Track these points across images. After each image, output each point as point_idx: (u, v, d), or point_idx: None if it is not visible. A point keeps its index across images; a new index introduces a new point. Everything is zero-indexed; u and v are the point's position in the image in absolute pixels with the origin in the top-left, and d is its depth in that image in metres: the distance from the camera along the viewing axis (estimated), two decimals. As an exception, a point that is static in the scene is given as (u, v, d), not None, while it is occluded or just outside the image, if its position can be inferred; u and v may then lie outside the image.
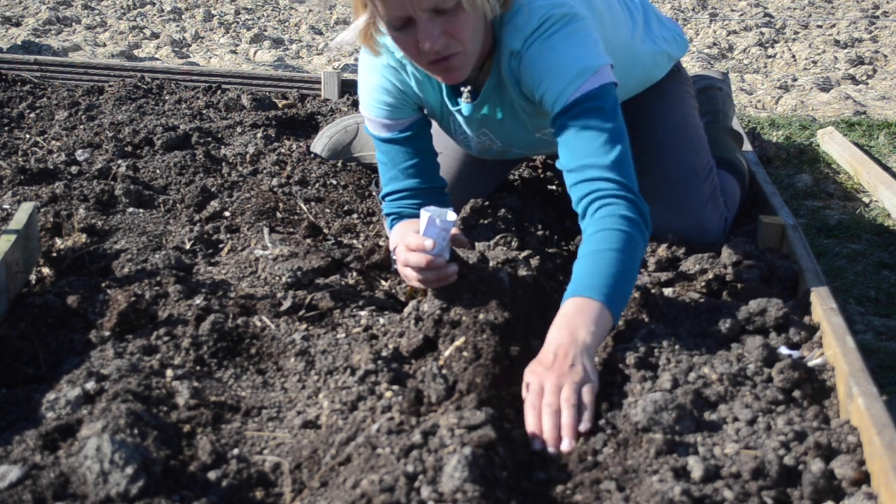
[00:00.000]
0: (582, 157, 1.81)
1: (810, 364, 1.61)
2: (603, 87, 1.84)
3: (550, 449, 1.42)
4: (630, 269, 1.70)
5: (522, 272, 1.94)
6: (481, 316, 1.69)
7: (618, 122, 1.84)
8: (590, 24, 1.92)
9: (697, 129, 2.41)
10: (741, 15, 8.11)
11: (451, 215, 1.75)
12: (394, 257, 1.96)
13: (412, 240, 1.76)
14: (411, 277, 1.79)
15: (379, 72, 2.08)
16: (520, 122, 2.12)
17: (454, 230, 1.79)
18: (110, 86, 4.00)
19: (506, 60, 1.94)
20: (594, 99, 1.83)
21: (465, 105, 2.08)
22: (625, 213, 1.74)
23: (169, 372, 1.57)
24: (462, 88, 2.07)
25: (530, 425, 1.46)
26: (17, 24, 6.92)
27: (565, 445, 1.42)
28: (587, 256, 1.71)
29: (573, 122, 1.83)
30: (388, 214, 2.16)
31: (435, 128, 2.30)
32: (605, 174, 1.78)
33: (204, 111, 3.67)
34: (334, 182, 2.78)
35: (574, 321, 1.59)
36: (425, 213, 1.74)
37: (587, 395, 1.48)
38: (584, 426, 1.44)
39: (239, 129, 3.35)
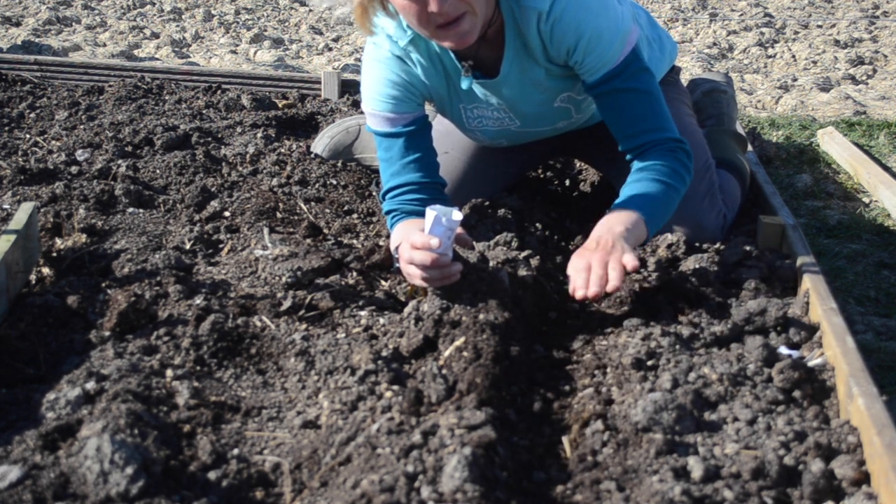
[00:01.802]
0: (636, 123, 2.01)
1: (810, 364, 1.61)
2: (636, 49, 2.02)
3: (591, 290, 1.66)
4: (671, 197, 1.94)
5: (522, 272, 1.94)
6: (481, 316, 1.69)
7: (655, 81, 2.04)
8: None
9: (693, 131, 2.41)
10: (741, 15, 8.11)
11: (457, 214, 1.76)
12: (395, 255, 1.96)
13: (417, 238, 1.76)
14: (415, 276, 1.79)
15: (384, 65, 2.08)
16: (540, 89, 2.14)
17: (458, 230, 1.80)
18: (110, 86, 4.00)
19: (532, 23, 1.97)
20: (632, 62, 2.00)
21: (465, 80, 2.09)
22: (676, 157, 1.98)
23: (169, 372, 1.57)
24: (463, 63, 2.07)
25: (574, 284, 1.70)
26: (17, 24, 6.92)
27: (612, 285, 1.67)
28: (634, 182, 1.93)
29: (621, 86, 2.00)
30: (388, 212, 2.15)
31: (438, 129, 2.30)
32: (661, 135, 2.00)
33: (204, 111, 3.67)
34: (334, 182, 2.78)
35: (612, 222, 1.83)
36: (431, 211, 1.75)
37: (630, 260, 1.71)
38: (631, 265, 1.68)
39: (239, 129, 3.35)
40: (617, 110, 2.04)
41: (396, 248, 1.94)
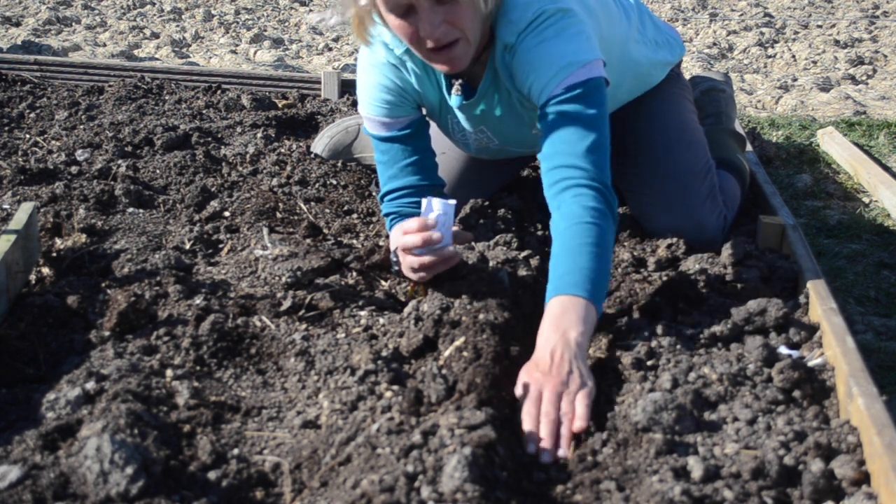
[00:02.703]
0: (555, 144, 1.84)
1: (810, 364, 1.61)
2: (590, 81, 1.86)
3: (546, 457, 1.42)
4: (606, 261, 1.73)
5: (522, 272, 1.94)
6: (481, 316, 1.69)
7: (599, 114, 1.86)
8: (584, 20, 1.94)
9: (695, 130, 2.41)
10: (741, 15, 8.11)
11: (452, 200, 1.78)
12: (394, 258, 1.95)
13: (412, 223, 1.77)
14: (413, 263, 1.79)
15: (379, 70, 2.08)
16: (516, 117, 2.13)
17: (456, 228, 1.80)
18: (110, 86, 4.00)
19: (500, 54, 1.96)
20: (577, 90, 1.85)
21: (455, 98, 2.09)
22: (594, 205, 1.76)
23: (169, 372, 1.57)
24: (454, 81, 2.07)
25: (528, 429, 1.47)
26: (17, 24, 6.92)
27: (563, 453, 1.43)
28: (564, 252, 1.72)
29: (554, 112, 1.86)
30: (387, 214, 2.16)
31: (436, 129, 2.30)
32: (577, 162, 1.81)
33: (204, 111, 3.67)
34: (334, 182, 2.78)
35: (563, 321, 1.61)
36: (425, 200, 1.76)
37: (583, 400, 1.49)
38: (577, 425, 1.45)
39: (239, 129, 3.35)
40: (543, 135, 1.89)
41: (395, 250, 1.94)
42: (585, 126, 1.83)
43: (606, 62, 1.94)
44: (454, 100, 2.10)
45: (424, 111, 2.21)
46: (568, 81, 1.85)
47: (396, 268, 1.93)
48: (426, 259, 1.78)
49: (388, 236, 2.37)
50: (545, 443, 1.44)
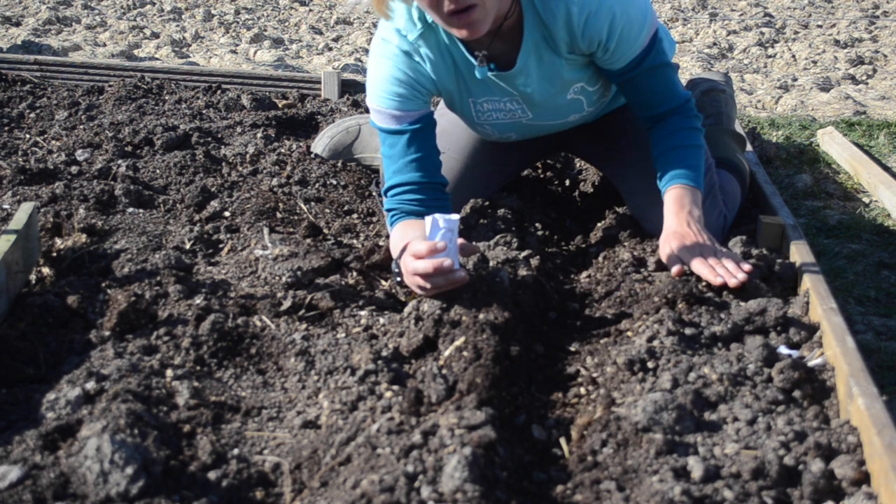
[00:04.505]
0: (656, 98, 2.16)
1: (810, 364, 1.61)
2: (657, 31, 2.12)
3: (732, 281, 1.85)
4: (701, 156, 2.16)
5: (522, 272, 1.94)
6: (481, 316, 1.69)
7: (666, 52, 2.18)
8: None
9: None
10: (741, 15, 8.11)
11: (455, 216, 1.76)
12: (395, 269, 1.92)
13: (420, 246, 1.75)
14: (421, 286, 1.78)
15: (391, 62, 2.08)
16: (557, 83, 2.17)
17: (460, 240, 1.80)
18: (110, 86, 4.00)
19: (560, 16, 2.01)
20: (655, 44, 2.11)
21: (479, 70, 2.10)
22: (690, 121, 2.17)
23: (169, 372, 1.57)
24: (478, 54, 2.08)
25: (708, 277, 1.88)
26: (17, 24, 6.92)
27: (742, 276, 1.86)
28: (671, 151, 2.13)
29: (646, 68, 2.12)
30: (389, 210, 2.14)
31: (441, 129, 2.30)
32: (675, 103, 2.18)
33: (204, 111, 3.67)
34: (334, 182, 2.78)
35: (684, 202, 2.05)
36: (429, 217, 1.75)
37: (730, 258, 1.94)
38: (746, 267, 1.89)
39: (239, 129, 3.35)
40: (639, 91, 2.17)
41: (398, 256, 1.92)
42: (673, 77, 2.17)
43: None
44: (479, 71, 2.11)
45: (443, 98, 2.21)
46: (648, 37, 2.08)
47: (398, 279, 1.91)
48: (433, 283, 1.77)
49: (388, 236, 2.37)
50: (726, 276, 1.86)
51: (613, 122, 2.46)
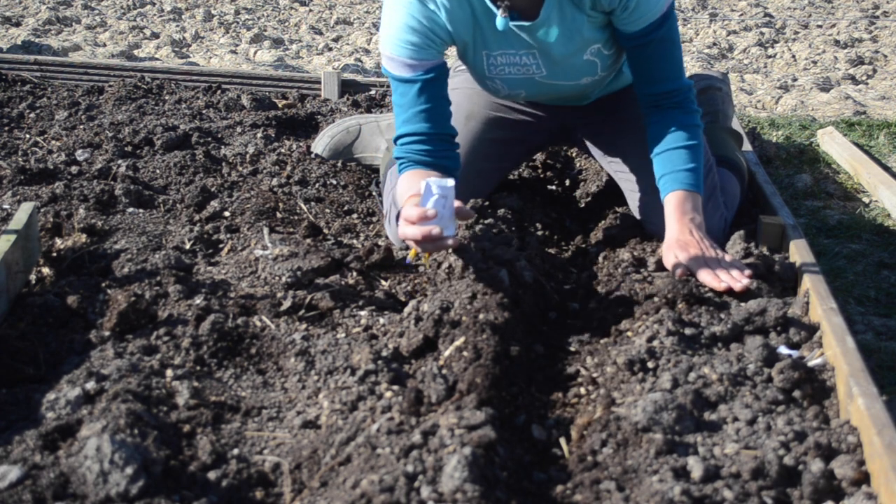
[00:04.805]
0: (659, 72, 2.16)
1: (810, 364, 1.61)
2: (673, 9, 2.15)
3: (737, 286, 1.87)
4: (701, 157, 2.16)
5: (522, 272, 1.94)
6: (481, 316, 1.69)
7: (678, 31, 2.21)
8: None
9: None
10: (741, 15, 8.11)
11: (450, 181, 1.78)
12: (391, 224, 1.96)
13: (411, 212, 1.79)
14: (414, 247, 1.86)
15: (406, 9, 2.08)
16: (577, 42, 2.17)
17: (457, 204, 1.81)
18: (110, 86, 4.00)
19: None
20: (671, 14, 2.12)
21: (501, 20, 2.10)
22: (689, 117, 2.17)
23: (169, 372, 1.57)
24: (499, 3, 2.08)
25: (712, 284, 1.89)
26: (17, 24, 6.92)
27: (746, 282, 1.88)
28: (671, 153, 2.12)
29: (657, 38, 2.12)
30: (398, 158, 2.16)
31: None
32: (676, 84, 2.17)
33: (204, 111, 3.67)
34: (334, 182, 2.78)
35: (686, 208, 2.06)
36: (423, 182, 1.78)
37: (732, 265, 1.96)
38: (748, 272, 1.92)
39: (239, 129, 3.35)
40: (647, 60, 2.16)
41: (396, 215, 1.96)
42: (675, 48, 2.16)
43: None
44: (500, 22, 2.10)
45: (458, 49, 2.21)
46: (667, 5, 2.09)
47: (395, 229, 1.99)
48: (422, 248, 1.83)
49: (387, 236, 2.37)
50: (730, 282, 1.88)
51: (616, 113, 2.44)
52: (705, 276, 1.91)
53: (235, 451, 1.40)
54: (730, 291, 1.89)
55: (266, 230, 2.23)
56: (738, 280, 1.88)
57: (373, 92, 4.07)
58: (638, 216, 2.38)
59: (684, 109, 2.17)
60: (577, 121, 2.52)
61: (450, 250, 1.93)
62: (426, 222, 1.76)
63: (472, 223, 2.30)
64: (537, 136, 2.54)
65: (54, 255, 2.10)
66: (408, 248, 2.21)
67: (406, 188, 2.06)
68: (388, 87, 4.06)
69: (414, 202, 1.86)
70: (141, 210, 2.50)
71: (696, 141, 2.14)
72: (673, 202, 2.07)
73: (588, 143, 2.58)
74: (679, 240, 2.00)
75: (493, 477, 1.25)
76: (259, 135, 3.23)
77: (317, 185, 2.75)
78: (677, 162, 2.10)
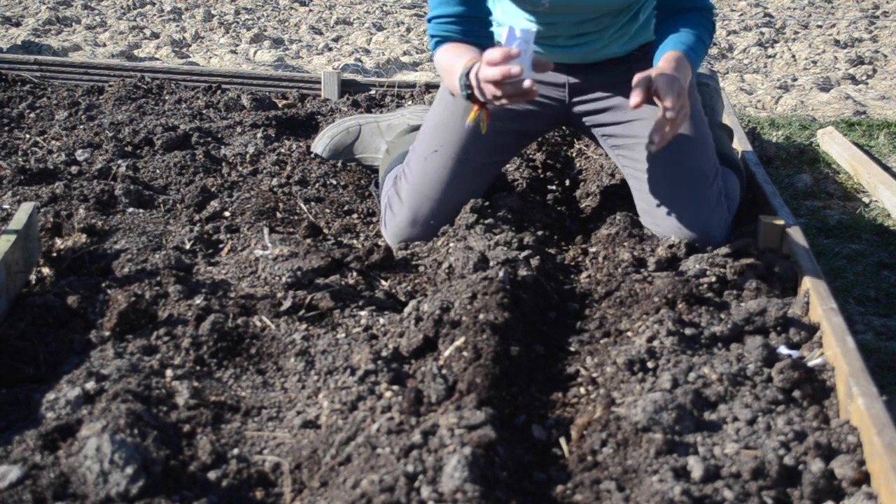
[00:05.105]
0: None
1: (810, 364, 1.61)
2: None
3: (653, 148, 1.97)
4: (705, 45, 2.21)
5: (522, 272, 1.94)
6: (481, 316, 1.69)
7: None
8: None
9: (705, 129, 2.33)
10: (741, 15, 8.11)
11: (533, 27, 1.82)
12: (464, 82, 1.98)
13: (494, 53, 1.81)
14: (490, 94, 1.85)
15: None
16: None
17: (534, 56, 1.85)
18: (110, 86, 4.00)
19: None
20: None
21: None
22: (707, 23, 2.23)
23: (169, 372, 1.57)
24: None
25: (655, 130, 1.97)
26: (17, 24, 6.92)
27: (657, 138, 1.98)
28: (676, 31, 2.18)
29: None
30: (432, 36, 2.20)
31: (429, 123, 2.27)
32: (700, 2, 2.24)
33: (204, 111, 3.67)
34: (334, 182, 2.78)
35: (681, 65, 2.07)
36: (506, 27, 1.82)
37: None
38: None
39: (239, 129, 3.35)
40: None
41: (466, 74, 1.98)
42: None
43: None
44: None
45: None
46: None
47: (468, 91, 1.98)
48: (502, 91, 1.83)
49: (384, 238, 2.37)
50: (659, 141, 1.98)
51: (626, 91, 2.38)
52: (658, 125, 1.98)
53: (235, 451, 1.40)
54: (652, 142, 2.00)
55: (266, 230, 2.23)
56: (665, 138, 1.98)
57: (373, 92, 4.06)
58: (642, 218, 2.34)
59: (702, 15, 2.22)
60: (584, 91, 2.44)
61: (449, 250, 1.93)
62: (510, 61, 1.77)
63: (472, 222, 2.30)
64: (541, 119, 2.48)
65: (54, 255, 2.10)
66: (406, 244, 2.20)
67: (447, 60, 2.11)
68: (388, 87, 4.08)
69: (460, 51, 1.97)
70: (141, 210, 2.50)
71: (705, 39, 2.20)
72: (669, 57, 2.10)
73: (594, 131, 2.49)
74: (665, 72, 2.01)
75: (493, 477, 1.25)
76: (259, 135, 3.23)
77: (317, 185, 2.75)
78: (684, 40, 2.16)
